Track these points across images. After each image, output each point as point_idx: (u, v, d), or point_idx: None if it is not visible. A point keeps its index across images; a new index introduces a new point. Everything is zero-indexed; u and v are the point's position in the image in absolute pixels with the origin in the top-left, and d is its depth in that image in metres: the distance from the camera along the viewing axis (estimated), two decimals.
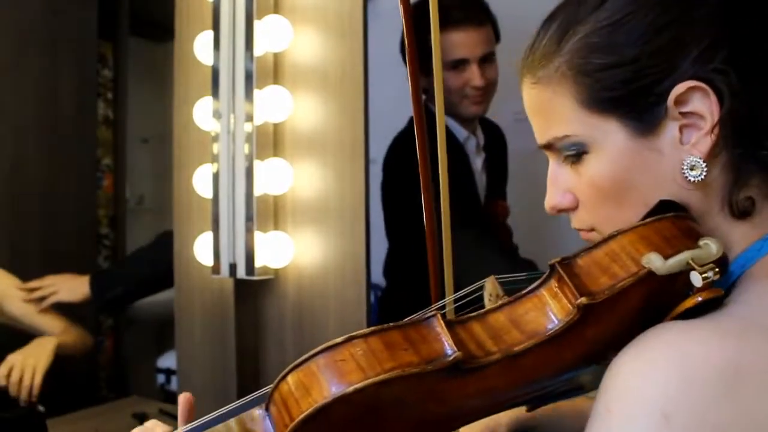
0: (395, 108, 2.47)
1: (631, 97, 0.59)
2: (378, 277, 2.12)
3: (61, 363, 2.26)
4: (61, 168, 2.42)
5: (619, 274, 0.54)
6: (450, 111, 1.87)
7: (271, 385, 0.57)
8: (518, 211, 1.83)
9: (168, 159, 1.96)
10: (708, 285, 0.53)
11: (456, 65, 1.70)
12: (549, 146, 0.64)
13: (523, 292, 0.57)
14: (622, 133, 0.59)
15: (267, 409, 0.57)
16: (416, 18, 1.84)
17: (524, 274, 0.70)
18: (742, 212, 0.59)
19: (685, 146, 0.58)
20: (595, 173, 0.61)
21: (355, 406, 0.52)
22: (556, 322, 0.54)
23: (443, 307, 0.72)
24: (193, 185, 1.79)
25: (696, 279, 0.52)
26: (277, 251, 1.69)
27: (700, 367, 0.48)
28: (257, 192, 1.67)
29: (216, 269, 1.73)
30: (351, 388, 0.50)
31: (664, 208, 0.58)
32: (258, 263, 1.67)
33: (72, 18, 2.45)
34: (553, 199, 0.66)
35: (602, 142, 0.60)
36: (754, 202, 0.59)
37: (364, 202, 1.60)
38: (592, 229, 0.65)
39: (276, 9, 1.71)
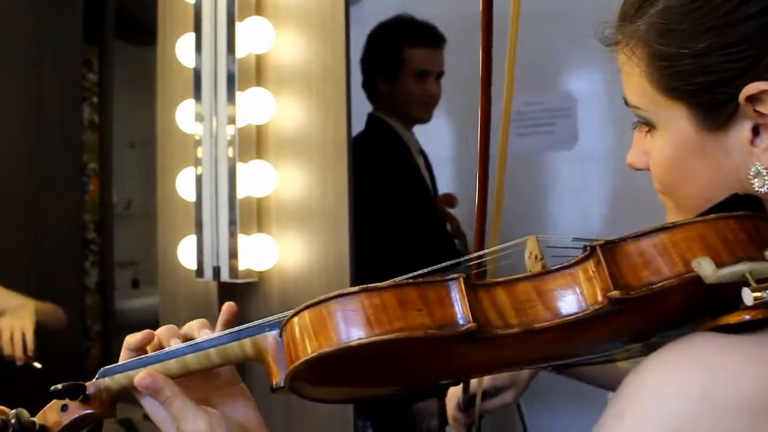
0: None
1: (698, 91, 0.54)
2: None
3: (46, 368, 2.26)
4: (46, 173, 2.40)
5: (663, 271, 0.49)
6: (407, 115, 2.07)
7: (286, 313, 0.59)
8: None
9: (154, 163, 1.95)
10: (760, 305, 0.47)
11: (420, 75, 2.02)
12: (628, 104, 0.62)
13: (558, 266, 0.54)
14: (688, 122, 0.56)
15: (280, 335, 0.60)
16: (384, 33, 1.98)
17: (571, 237, 0.66)
18: None
19: (756, 149, 0.53)
20: (658, 152, 0.59)
21: (359, 357, 0.51)
22: (583, 306, 0.51)
23: (480, 264, 0.69)
24: (176, 189, 1.78)
25: (747, 297, 0.47)
26: (261, 254, 1.68)
27: (728, 394, 0.45)
28: (240, 194, 1.66)
29: (200, 272, 1.72)
30: (355, 342, 0.50)
31: (737, 203, 0.53)
32: (242, 266, 1.66)
33: (57, 22, 2.44)
34: (631, 157, 0.64)
35: (669, 124, 0.57)
36: None
37: (347, 204, 1.60)
38: (664, 193, 0.62)
39: (258, 11, 1.70)
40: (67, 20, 2.49)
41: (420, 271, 0.56)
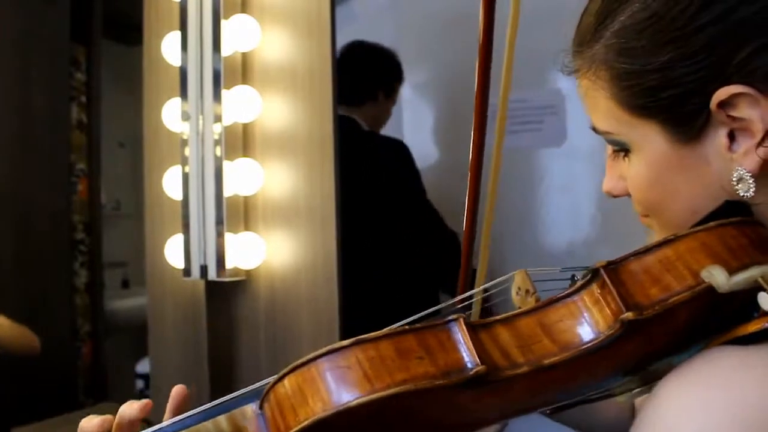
0: None
1: (668, 105, 0.53)
2: None
3: (35, 370, 2.25)
4: (34, 173, 2.39)
5: (673, 286, 0.47)
6: (378, 125, 2.31)
7: (267, 381, 0.51)
8: None
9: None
10: None
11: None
12: (596, 131, 0.61)
13: (559, 295, 0.50)
14: (662, 137, 0.54)
15: (261, 407, 0.52)
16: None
17: (557, 268, 0.64)
18: None
19: (735, 154, 0.52)
20: (635, 174, 0.58)
21: (358, 418, 0.46)
22: (595, 334, 0.47)
23: (468, 306, 0.65)
24: (163, 188, 1.77)
25: (765, 302, 0.45)
26: (248, 252, 1.68)
27: (759, 413, 0.42)
28: (227, 193, 1.66)
29: (187, 271, 1.71)
30: (354, 402, 0.44)
31: (729, 211, 0.51)
32: (229, 264, 1.66)
33: (44, 21, 2.43)
34: (607, 184, 0.63)
35: (642, 144, 0.56)
36: None
37: (334, 202, 1.60)
38: (647, 215, 0.61)
39: (243, 8, 1.70)
40: (54, 19, 2.48)
41: (408, 320, 0.52)
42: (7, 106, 2.32)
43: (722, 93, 0.50)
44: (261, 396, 0.52)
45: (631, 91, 0.54)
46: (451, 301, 0.60)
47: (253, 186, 1.68)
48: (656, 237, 0.58)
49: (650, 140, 0.55)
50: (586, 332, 0.48)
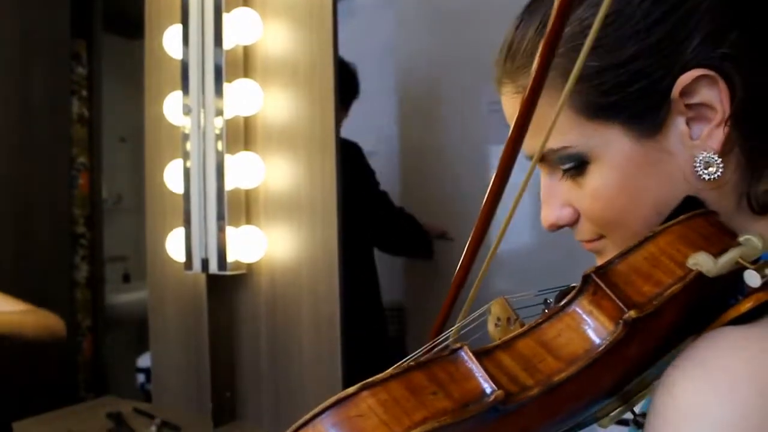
0: (371, 104, 2.47)
1: (633, 100, 0.53)
2: None
3: (36, 364, 2.25)
4: (35, 167, 2.40)
5: (665, 280, 0.47)
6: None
7: None
8: None
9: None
10: (764, 286, 0.46)
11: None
12: (542, 158, 0.57)
13: (552, 310, 0.48)
14: (625, 138, 0.54)
15: None
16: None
17: (531, 293, 0.63)
18: (762, 207, 0.54)
19: (696, 141, 0.53)
20: (599, 185, 0.55)
21: None
22: (598, 341, 0.46)
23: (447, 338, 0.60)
24: (164, 181, 1.77)
25: (753, 279, 0.46)
26: (250, 246, 1.68)
27: None
28: (228, 186, 1.66)
29: (188, 265, 1.71)
30: None
31: (690, 205, 0.53)
32: (230, 258, 1.66)
33: (45, 15, 2.43)
34: (551, 215, 0.60)
35: (605, 150, 0.54)
36: None
37: (335, 195, 1.59)
38: (601, 237, 0.59)
39: (245, 2, 1.70)
40: (55, 13, 2.48)
41: (401, 363, 0.47)
42: (8, 100, 2.32)
43: (685, 78, 0.51)
44: None
45: (595, 92, 0.53)
46: (428, 345, 0.57)
47: (254, 179, 1.67)
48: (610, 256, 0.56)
49: (613, 143, 0.54)
50: (588, 341, 0.47)
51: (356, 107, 2.32)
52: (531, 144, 0.55)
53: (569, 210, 0.59)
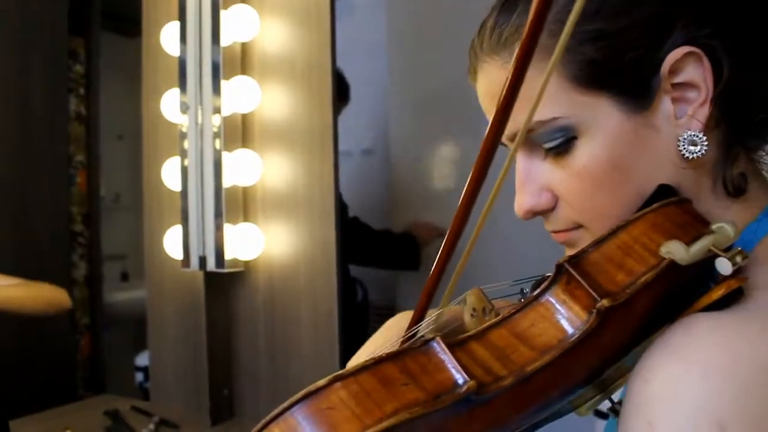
0: (366, 101, 2.47)
1: (625, 71, 0.52)
2: None
3: (34, 362, 2.25)
4: (32, 165, 2.39)
5: (638, 268, 0.47)
6: None
7: None
8: None
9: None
10: (735, 273, 0.47)
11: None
12: (526, 135, 0.55)
13: (526, 300, 0.48)
14: (615, 110, 0.53)
15: None
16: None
17: (508, 282, 0.62)
18: (736, 189, 0.55)
19: (681, 120, 0.53)
20: (588, 160, 0.54)
21: None
22: (572, 331, 0.46)
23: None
24: (162, 179, 1.77)
25: (724, 266, 0.46)
26: (247, 243, 1.67)
27: (753, 369, 0.43)
28: (226, 184, 1.65)
29: (186, 263, 1.71)
30: None
31: (664, 194, 0.53)
32: (228, 256, 1.66)
33: (42, 13, 2.42)
34: (528, 200, 0.58)
35: (594, 123, 0.53)
36: (746, 178, 0.55)
37: (333, 192, 1.59)
38: (579, 226, 0.58)
39: None
40: (53, 11, 2.47)
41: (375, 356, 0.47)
42: (6, 98, 2.31)
43: (675, 54, 0.52)
44: None
45: (591, 57, 0.53)
46: (404, 336, 0.56)
47: (252, 177, 1.67)
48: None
49: (603, 116, 0.53)
50: (561, 330, 0.46)
51: (352, 105, 2.31)
52: (519, 118, 0.53)
53: (548, 195, 0.58)
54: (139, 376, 2.93)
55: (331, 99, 1.59)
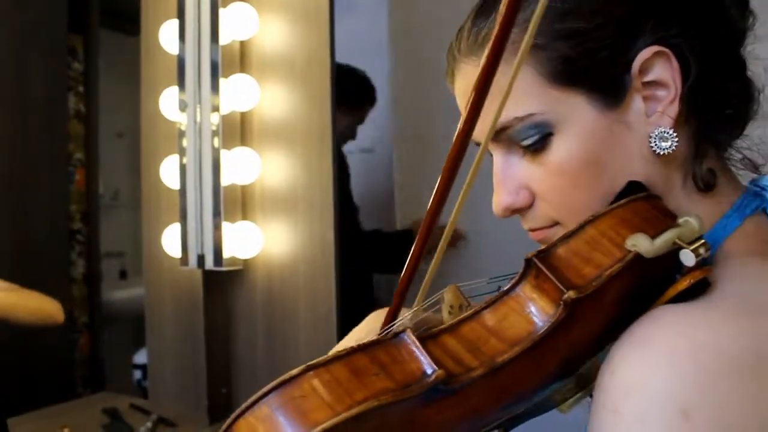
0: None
1: (598, 68, 0.54)
2: None
3: (33, 360, 2.25)
4: (31, 163, 2.39)
5: (604, 261, 0.48)
6: (350, 133, 2.37)
7: None
8: None
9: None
10: (700, 263, 0.48)
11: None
12: (502, 132, 0.57)
13: (497, 295, 0.50)
14: (589, 107, 0.55)
15: None
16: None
17: (484, 279, 0.63)
18: (706, 185, 0.56)
19: (652, 118, 0.55)
20: (564, 156, 0.55)
21: None
22: (541, 323, 0.47)
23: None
24: (160, 177, 1.77)
25: (688, 258, 0.48)
26: (246, 242, 1.67)
27: (716, 358, 0.44)
28: (225, 182, 1.65)
29: (184, 261, 1.71)
30: (318, 430, 0.41)
31: (633, 189, 0.55)
32: (226, 254, 1.66)
33: (41, 10, 2.42)
34: (505, 198, 0.59)
35: (570, 119, 0.55)
36: (715, 174, 0.56)
37: (332, 191, 1.59)
38: (555, 224, 0.59)
39: None
40: (51, 8, 2.47)
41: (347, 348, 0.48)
42: (5, 96, 2.31)
43: (645, 54, 0.54)
44: None
45: (566, 54, 0.54)
46: (381, 332, 0.57)
47: (250, 175, 1.67)
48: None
49: (578, 112, 0.55)
50: (531, 323, 0.48)
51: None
52: (510, 113, 0.56)
53: (525, 193, 0.59)
54: (138, 374, 2.92)
55: (330, 97, 1.59)
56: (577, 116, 0.55)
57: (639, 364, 0.45)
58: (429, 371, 0.44)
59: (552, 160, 0.56)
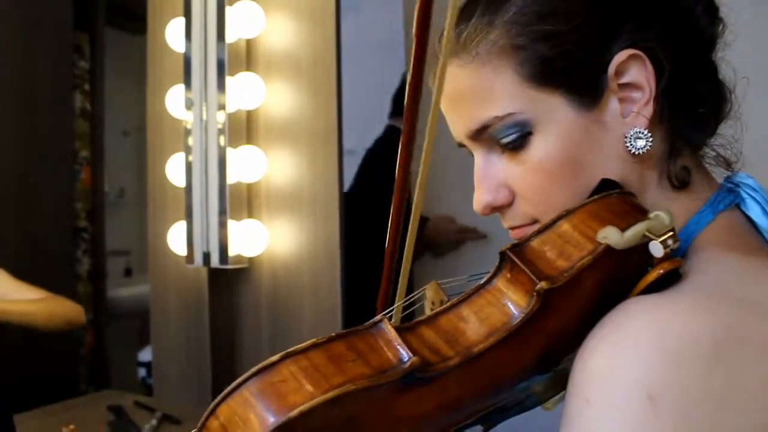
0: (371, 98, 2.46)
1: (576, 69, 0.56)
2: None
3: (38, 357, 2.25)
4: (37, 160, 2.39)
5: (576, 254, 0.50)
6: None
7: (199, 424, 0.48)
8: None
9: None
10: (669, 255, 0.50)
11: None
12: (483, 131, 0.59)
13: (474, 288, 0.51)
14: (567, 107, 0.57)
15: None
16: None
17: (465, 276, 0.65)
18: (680, 182, 0.58)
19: (627, 119, 0.57)
20: (543, 155, 0.57)
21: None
22: (516, 314, 0.49)
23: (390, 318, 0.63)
24: (166, 174, 1.77)
25: (657, 249, 0.50)
26: (251, 240, 1.68)
27: (681, 344, 0.45)
28: (230, 180, 1.65)
29: (190, 259, 1.71)
30: (296, 412, 0.42)
31: (606, 187, 0.56)
32: (232, 252, 1.66)
33: (47, 9, 2.43)
34: (485, 196, 0.60)
35: (548, 118, 0.57)
36: (690, 172, 0.59)
37: (337, 189, 1.59)
38: (535, 222, 0.60)
39: None
40: (57, 7, 2.47)
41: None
42: (11, 94, 2.31)
43: (620, 57, 0.56)
44: None
45: (545, 55, 0.56)
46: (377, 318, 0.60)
47: (256, 173, 1.67)
48: None
49: (557, 111, 0.57)
50: (506, 314, 0.49)
51: (360, 102, 2.30)
52: (476, 114, 0.58)
53: (505, 191, 0.60)
54: (142, 372, 2.93)
55: (336, 95, 1.59)
56: (555, 116, 0.56)
57: (607, 352, 0.47)
58: (405, 358, 0.46)
59: (531, 159, 0.57)
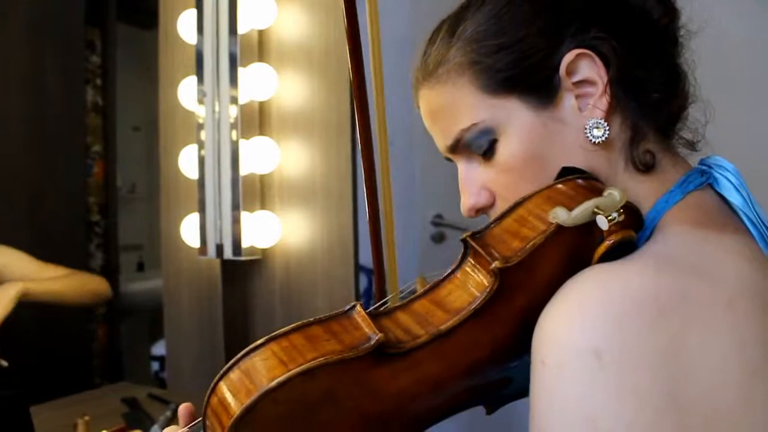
0: (387, 92, 2.45)
1: (526, 74, 0.62)
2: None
3: (52, 350, 2.26)
4: (50, 155, 2.40)
5: (529, 234, 0.54)
6: None
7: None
8: None
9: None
10: (616, 227, 0.54)
11: None
12: (457, 144, 0.65)
13: (444, 275, 0.57)
14: (525, 109, 0.62)
15: (204, 429, 0.56)
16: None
17: (448, 269, 0.69)
18: (644, 165, 0.62)
19: (584, 112, 0.62)
20: (509, 155, 0.63)
21: (285, 403, 0.50)
22: (478, 294, 0.54)
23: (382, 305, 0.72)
24: (179, 167, 1.77)
25: (602, 222, 0.53)
26: (264, 231, 1.67)
27: (623, 302, 0.49)
28: (243, 172, 1.65)
29: (203, 251, 1.71)
30: (274, 383, 0.49)
31: (566, 174, 0.61)
32: (245, 244, 1.66)
33: (58, 3, 2.43)
34: (469, 200, 0.67)
35: (508, 122, 0.62)
36: (654, 155, 0.62)
37: (351, 180, 1.59)
38: None
39: None
40: (69, 1, 2.48)
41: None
42: (23, 88, 2.32)
43: (568, 57, 0.61)
44: (203, 412, 0.55)
45: (496, 66, 0.62)
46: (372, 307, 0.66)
47: (269, 165, 1.67)
48: None
49: (515, 114, 0.62)
50: (470, 294, 0.54)
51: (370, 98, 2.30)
52: (449, 130, 0.65)
53: (486, 193, 0.66)
54: (155, 366, 2.94)
55: (349, 86, 1.59)
56: (514, 119, 0.62)
57: (557, 315, 0.51)
58: (372, 336, 0.52)
59: (499, 161, 0.63)
